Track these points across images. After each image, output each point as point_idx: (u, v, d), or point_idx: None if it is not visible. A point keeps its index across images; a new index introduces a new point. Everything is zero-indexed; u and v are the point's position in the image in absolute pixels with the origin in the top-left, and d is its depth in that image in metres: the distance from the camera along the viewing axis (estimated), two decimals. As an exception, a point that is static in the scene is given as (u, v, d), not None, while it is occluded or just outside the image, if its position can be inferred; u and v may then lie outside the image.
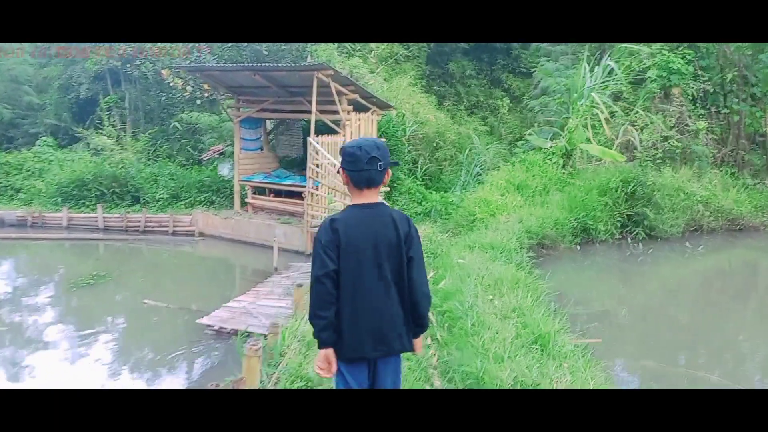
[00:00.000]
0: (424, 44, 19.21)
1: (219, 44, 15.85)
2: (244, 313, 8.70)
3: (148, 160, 17.31)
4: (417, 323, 2.94)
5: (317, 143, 12.04)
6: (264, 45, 15.85)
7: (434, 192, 13.99)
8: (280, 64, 12.57)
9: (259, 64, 13.38)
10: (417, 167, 15.23)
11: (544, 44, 16.89)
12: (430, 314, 5.18)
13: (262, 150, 15.46)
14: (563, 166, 12.45)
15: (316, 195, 12.24)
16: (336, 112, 12.81)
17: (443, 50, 19.89)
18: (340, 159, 2.95)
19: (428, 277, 8.03)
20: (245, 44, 16.02)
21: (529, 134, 14.25)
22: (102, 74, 19.53)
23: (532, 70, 18.04)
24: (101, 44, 17.22)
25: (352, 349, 2.84)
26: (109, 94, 19.69)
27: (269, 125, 16.22)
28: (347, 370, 2.89)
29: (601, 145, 12.78)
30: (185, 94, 15.73)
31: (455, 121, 17.49)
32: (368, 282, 2.81)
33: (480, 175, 14.81)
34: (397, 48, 18.70)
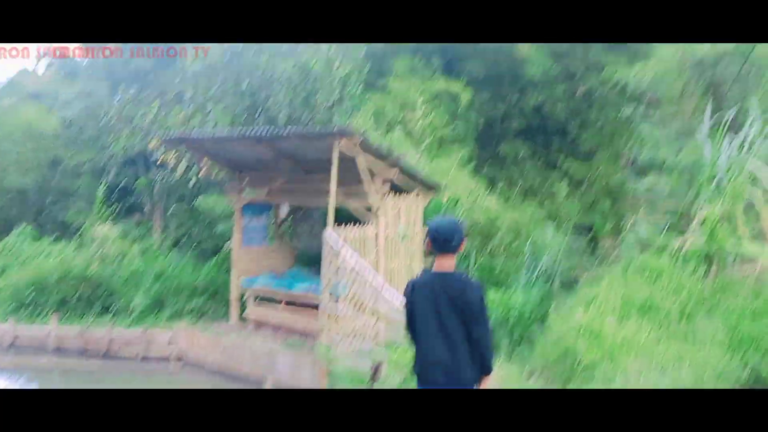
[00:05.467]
0: (472, 125, 16.61)
1: (223, 112, 12.62)
2: None
3: (170, 252, 14.12)
4: (482, 371, 3.60)
5: (338, 239, 8.37)
6: (282, 112, 12.59)
7: (489, 290, 10.00)
8: (287, 129, 9.09)
9: (258, 127, 10.02)
10: (470, 262, 11.49)
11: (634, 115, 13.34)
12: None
13: (268, 242, 11.97)
14: (704, 276, 8.29)
15: (336, 314, 8.39)
16: (366, 196, 9.21)
17: (493, 132, 17.37)
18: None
19: None
20: (257, 113, 12.82)
21: (633, 226, 10.24)
22: (132, 159, 16.79)
23: (593, 151, 15.83)
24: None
25: (424, 381, 3.62)
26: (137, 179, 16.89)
27: (283, 211, 12.75)
28: None
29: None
30: (176, 174, 12.47)
31: (508, 206, 14.16)
32: (431, 331, 3.54)
33: (548, 271, 11.01)
34: (442, 130, 15.76)
